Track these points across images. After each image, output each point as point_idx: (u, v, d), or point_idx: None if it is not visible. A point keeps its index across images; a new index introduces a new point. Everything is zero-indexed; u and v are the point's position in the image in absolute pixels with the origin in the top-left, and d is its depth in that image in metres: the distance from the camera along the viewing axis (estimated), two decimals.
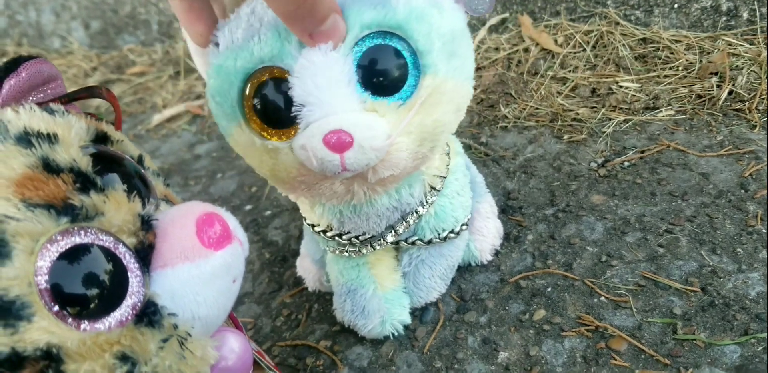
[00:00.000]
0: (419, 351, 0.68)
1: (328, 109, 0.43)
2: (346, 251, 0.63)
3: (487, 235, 0.73)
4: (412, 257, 0.67)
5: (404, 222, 0.60)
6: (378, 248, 0.62)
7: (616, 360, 0.61)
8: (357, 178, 0.49)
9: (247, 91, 0.46)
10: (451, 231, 0.64)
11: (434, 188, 0.60)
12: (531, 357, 0.64)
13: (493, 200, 0.77)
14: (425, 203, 0.60)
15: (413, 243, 0.64)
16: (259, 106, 0.46)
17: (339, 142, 0.43)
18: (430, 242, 0.64)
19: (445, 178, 0.61)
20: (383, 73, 0.45)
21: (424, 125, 0.47)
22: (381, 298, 0.67)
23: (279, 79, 0.45)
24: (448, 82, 0.47)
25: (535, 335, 0.66)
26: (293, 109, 0.44)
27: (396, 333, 0.69)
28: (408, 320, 0.69)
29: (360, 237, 0.61)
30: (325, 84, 0.43)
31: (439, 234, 0.63)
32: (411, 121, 0.46)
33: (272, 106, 0.46)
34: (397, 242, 0.63)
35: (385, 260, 0.68)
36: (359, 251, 0.63)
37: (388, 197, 0.57)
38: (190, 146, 1.27)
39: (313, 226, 0.63)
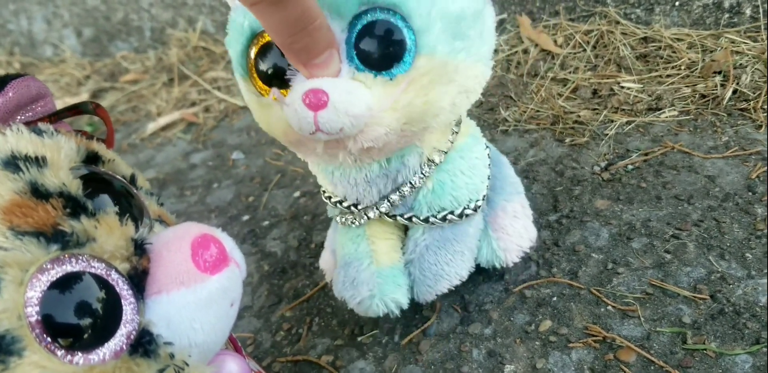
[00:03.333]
0: (423, 365, 0.67)
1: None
2: (345, 219, 0.64)
3: (512, 234, 0.68)
4: (416, 243, 0.65)
5: (398, 192, 0.59)
6: (372, 216, 0.61)
7: (625, 372, 0.59)
8: (339, 146, 0.51)
9: (251, 49, 0.50)
10: (451, 212, 0.61)
11: (432, 161, 0.59)
12: (538, 370, 0.62)
13: (527, 203, 0.72)
14: (422, 175, 0.59)
15: (410, 220, 0.62)
16: (259, 66, 0.50)
17: (315, 101, 0.45)
18: (427, 220, 0.61)
19: (446, 152, 0.60)
20: (377, 48, 0.47)
21: (413, 105, 0.48)
22: (374, 272, 0.64)
23: None
24: (448, 64, 0.48)
25: (542, 346, 0.65)
26: (288, 72, 0.48)
27: (387, 310, 0.63)
28: (403, 300, 0.64)
29: (358, 206, 0.61)
30: None
31: (437, 213, 0.61)
32: (398, 98, 0.48)
33: (270, 67, 0.49)
34: (393, 216, 0.62)
35: (386, 238, 0.66)
36: (355, 219, 0.63)
37: (378, 166, 0.57)
38: (186, 155, 1.26)
39: (324, 192, 0.64)
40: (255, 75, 0.51)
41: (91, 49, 1.74)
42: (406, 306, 0.64)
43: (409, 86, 0.47)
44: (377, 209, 0.61)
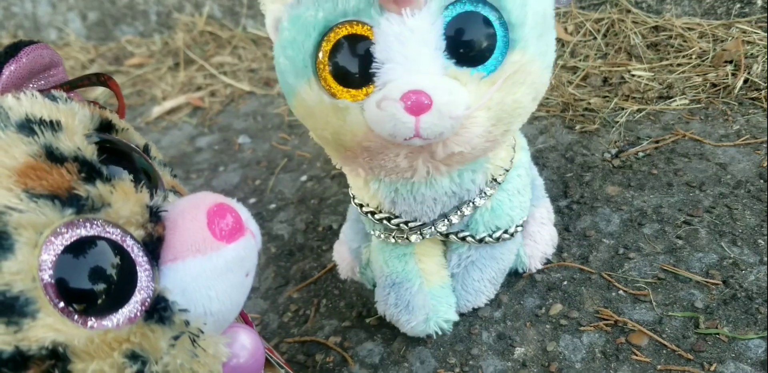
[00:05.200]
0: (432, 347, 0.66)
1: (410, 68, 0.42)
2: (393, 238, 0.60)
3: (539, 241, 0.68)
4: (461, 258, 0.63)
5: (459, 211, 0.57)
6: (428, 236, 0.58)
7: (636, 355, 0.59)
8: (423, 152, 0.47)
9: (324, 46, 0.45)
10: (505, 231, 0.60)
11: (495, 180, 0.57)
12: (548, 353, 0.62)
13: (551, 206, 0.72)
14: (484, 195, 0.57)
15: (464, 239, 0.60)
16: (334, 63, 0.45)
17: (417, 103, 0.41)
18: (482, 240, 0.60)
19: (507, 171, 0.58)
20: (470, 42, 0.44)
21: (504, 103, 0.46)
22: (427, 294, 0.63)
23: (359, 36, 0.44)
24: (535, 63, 0.46)
25: (552, 330, 0.64)
26: (373, 65, 0.43)
27: (440, 332, 0.64)
28: (454, 318, 0.64)
29: (410, 223, 0.58)
30: (411, 41, 0.42)
31: (492, 233, 0.60)
32: (492, 96, 0.44)
33: (349, 62, 0.45)
34: (447, 235, 0.60)
35: (433, 255, 0.64)
36: (407, 238, 0.59)
37: (450, 181, 0.54)
38: (191, 139, 1.25)
39: (361, 206, 0.60)
40: (327, 74, 0.45)
41: (95, 32, 1.73)
42: (456, 322, 0.65)
43: (503, 83, 0.45)
44: (435, 228, 0.58)
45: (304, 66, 0.46)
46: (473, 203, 0.57)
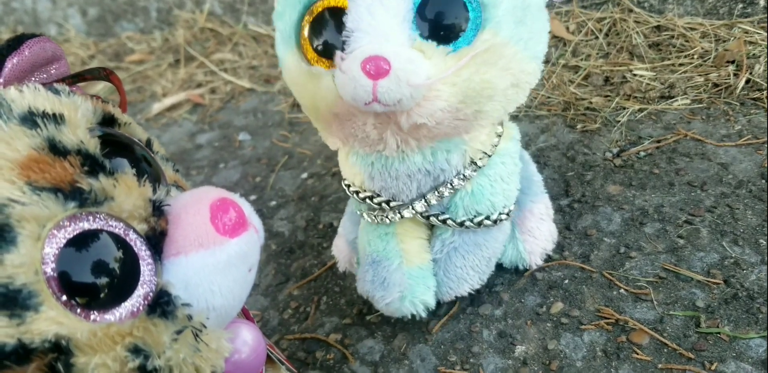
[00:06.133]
0: (433, 345, 0.66)
1: (375, 38, 0.44)
2: (375, 216, 0.61)
3: (538, 237, 0.68)
4: (444, 243, 0.63)
5: (436, 191, 0.57)
6: (406, 215, 0.59)
7: (638, 354, 0.59)
8: (390, 122, 0.49)
9: (306, 18, 0.49)
10: (487, 217, 0.60)
11: (474, 163, 0.57)
12: (549, 351, 0.62)
13: (550, 203, 0.72)
14: (462, 177, 0.57)
15: (444, 222, 0.60)
16: (313, 32, 0.49)
17: (376, 68, 0.43)
18: (462, 224, 0.60)
19: (489, 156, 0.58)
20: (440, 17, 0.46)
21: (471, 81, 0.47)
22: (405, 273, 0.63)
23: (337, 8, 0.46)
24: (509, 47, 0.47)
25: (553, 328, 0.64)
26: (343, 34, 0.46)
27: (414, 313, 0.63)
28: (431, 302, 0.63)
29: (391, 202, 0.59)
30: (380, 14, 0.44)
31: (473, 218, 0.60)
32: (458, 72, 0.46)
33: (325, 33, 0.48)
34: (427, 217, 0.60)
35: (416, 237, 0.64)
36: (386, 217, 0.60)
37: (422, 157, 0.55)
38: (191, 135, 1.25)
39: (348, 187, 0.62)
40: (307, 43, 0.49)
41: (96, 28, 1.73)
42: (433, 307, 0.64)
43: (471, 61, 0.46)
44: (413, 207, 0.59)
45: (289, 36, 0.50)
46: (451, 184, 0.57)
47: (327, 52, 0.48)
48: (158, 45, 1.58)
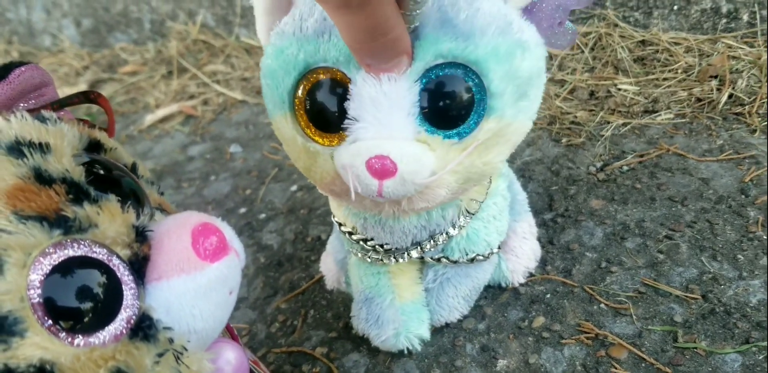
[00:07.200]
0: (416, 359, 0.67)
1: (380, 132, 0.42)
2: (369, 258, 0.61)
3: (521, 256, 0.69)
4: (437, 274, 0.64)
5: (432, 241, 0.57)
6: (401, 261, 0.59)
7: (616, 369, 0.60)
8: (391, 203, 0.48)
9: (302, 86, 0.45)
10: (481, 254, 0.61)
11: (469, 212, 0.57)
12: (530, 365, 0.63)
13: (533, 220, 0.73)
14: (457, 226, 0.57)
15: (438, 260, 0.61)
16: (310, 105, 0.45)
17: (382, 169, 0.41)
18: (456, 262, 0.61)
19: (482, 202, 0.58)
20: (447, 107, 0.43)
21: (474, 166, 0.46)
22: (398, 309, 0.63)
23: (338, 83, 0.43)
24: (512, 125, 0.45)
25: (535, 342, 0.65)
26: (346, 121, 0.43)
27: (411, 347, 0.64)
28: (426, 335, 0.65)
29: (384, 246, 0.59)
30: (385, 105, 0.41)
31: (466, 256, 0.61)
32: (462, 161, 0.44)
33: (325, 108, 0.45)
34: (422, 258, 0.61)
35: (407, 271, 0.65)
36: (381, 259, 0.60)
37: (417, 217, 0.55)
38: (183, 147, 1.26)
39: (340, 225, 0.61)
40: (303, 114, 0.46)
41: (90, 39, 1.74)
42: (428, 339, 0.66)
43: (474, 149, 0.44)
44: (408, 253, 0.58)
45: (282, 101, 0.46)
46: (447, 233, 0.57)
47: (327, 128, 0.45)
48: (151, 56, 1.59)
